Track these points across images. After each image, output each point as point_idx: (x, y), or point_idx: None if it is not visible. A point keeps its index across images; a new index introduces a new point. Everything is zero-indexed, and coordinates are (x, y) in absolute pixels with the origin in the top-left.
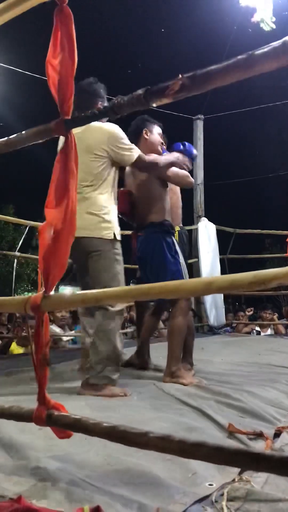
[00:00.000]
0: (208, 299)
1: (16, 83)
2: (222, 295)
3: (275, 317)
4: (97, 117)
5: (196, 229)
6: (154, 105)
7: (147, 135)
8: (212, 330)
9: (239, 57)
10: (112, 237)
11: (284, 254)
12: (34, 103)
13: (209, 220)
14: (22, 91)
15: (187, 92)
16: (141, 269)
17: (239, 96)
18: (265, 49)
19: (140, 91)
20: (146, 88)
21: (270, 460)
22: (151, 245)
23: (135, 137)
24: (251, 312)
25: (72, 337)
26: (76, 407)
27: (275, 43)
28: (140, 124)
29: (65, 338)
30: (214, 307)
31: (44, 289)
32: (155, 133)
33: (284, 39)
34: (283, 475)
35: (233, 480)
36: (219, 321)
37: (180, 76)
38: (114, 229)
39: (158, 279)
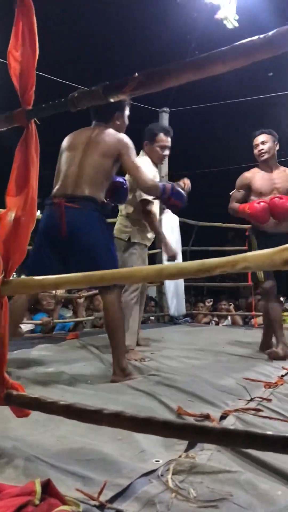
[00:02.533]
0: (170, 289)
1: None
2: (183, 285)
3: (231, 307)
4: (57, 108)
5: (160, 221)
6: (112, 100)
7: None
8: (173, 320)
9: (194, 58)
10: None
11: (243, 247)
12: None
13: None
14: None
15: (143, 89)
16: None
17: (205, 89)
18: (215, 53)
19: (99, 86)
20: (104, 83)
21: (213, 432)
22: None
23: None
24: (211, 303)
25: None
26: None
27: (225, 48)
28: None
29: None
30: (175, 297)
31: (3, 274)
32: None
33: (233, 44)
34: (225, 446)
35: (179, 457)
36: (180, 311)
37: (136, 74)
38: None
39: (92, 257)
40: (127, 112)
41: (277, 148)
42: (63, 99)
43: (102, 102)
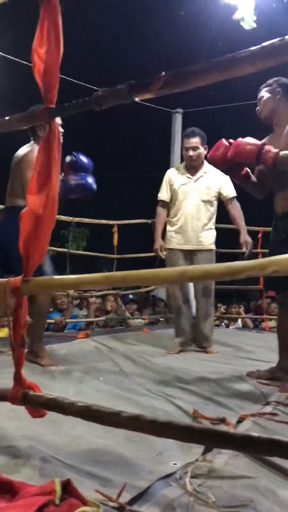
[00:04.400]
0: None
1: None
2: (192, 290)
3: (241, 310)
4: (81, 107)
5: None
6: (137, 99)
7: None
8: None
9: (219, 58)
10: None
11: (256, 250)
12: (21, 90)
13: None
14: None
15: (169, 89)
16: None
17: (219, 91)
18: (244, 53)
19: (123, 85)
20: (129, 82)
21: (234, 439)
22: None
23: None
24: (221, 308)
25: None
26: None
27: (254, 48)
28: None
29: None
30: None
31: (24, 273)
32: None
33: (261, 45)
34: (246, 453)
35: (196, 460)
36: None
37: (163, 73)
38: None
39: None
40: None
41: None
42: (87, 98)
43: (127, 101)
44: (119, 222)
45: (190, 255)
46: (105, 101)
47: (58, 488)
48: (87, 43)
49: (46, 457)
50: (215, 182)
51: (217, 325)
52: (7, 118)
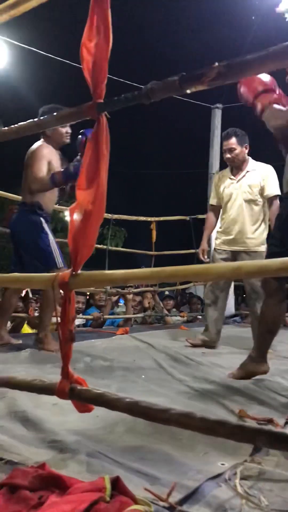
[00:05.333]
0: None
1: (44, 67)
2: (232, 285)
3: None
4: (130, 101)
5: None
6: (189, 91)
7: None
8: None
9: (274, 47)
10: None
11: None
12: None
13: None
14: (49, 76)
15: (222, 80)
16: (13, 244)
17: None
18: None
19: (175, 77)
20: (181, 74)
21: None
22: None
23: None
24: None
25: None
26: None
27: None
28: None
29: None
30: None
31: (72, 268)
32: None
33: None
34: None
35: (245, 461)
36: (228, 311)
37: (216, 64)
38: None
39: (30, 254)
40: None
41: None
42: (136, 92)
43: (178, 93)
44: (157, 218)
45: (235, 257)
46: (155, 94)
47: (108, 485)
48: (132, 40)
49: (92, 452)
50: (257, 180)
51: None
52: (55, 114)
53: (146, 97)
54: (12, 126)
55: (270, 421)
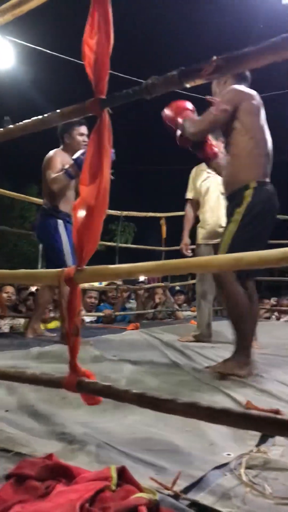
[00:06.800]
0: None
1: (49, 66)
2: None
3: None
4: (131, 96)
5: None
6: (188, 85)
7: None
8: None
9: (273, 39)
10: None
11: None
12: (65, 86)
13: None
14: (55, 74)
15: (221, 73)
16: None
17: (255, 80)
18: None
19: (174, 72)
20: (180, 68)
21: None
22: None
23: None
24: (273, 302)
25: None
26: None
27: None
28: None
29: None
30: None
31: (78, 263)
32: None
33: None
34: None
35: (251, 451)
36: None
37: (214, 57)
38: None
39: (47, 254)
40: (78, 129)
41: None
42: (137, 87)
43: (178, 87)
44: (167, 214)
45: (216, 250)
46: (156, 89)
47: (114, 475)
48: (133, 35)
49: (101, 444)
50: None
51: (267, 318)
52: (58, 111)
53: (146, 92)
54: (17, 124)
55: (276, 413)
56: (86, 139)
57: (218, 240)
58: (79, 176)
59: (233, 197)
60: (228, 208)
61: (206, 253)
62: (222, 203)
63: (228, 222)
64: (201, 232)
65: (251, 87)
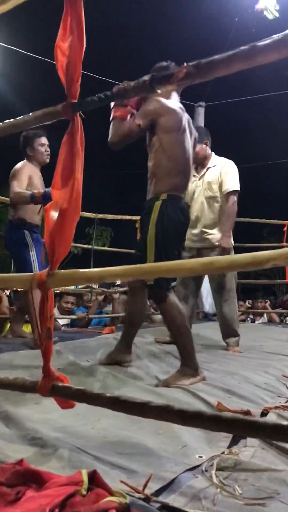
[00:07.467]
0: (205, 287)
1: (25, 66)
2: (207, 288)
3: (267, 305)
4: (104, 101)
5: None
6: (159, 91)
7: None
8: (207, 317)
9: (242, 47)
10: None
11: (281, 244)
12: (43, 88)
13: None
14: (30, 75)
15: (191, 80)
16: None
17: (241, 84)
18: (267, 41)
19: (146, 77)
20: (152, 74)
21: (265, 427)
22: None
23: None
24: (248, 304)
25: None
26: None
27: (277, 36)
28: None
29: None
30: (209, 295)
31: (49, 267)
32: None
33: (285, 32)
34: (277, 441)
35: (222, 453)
36: (214, 309)
37: (185, 64)
38: None
39: (16, 265)
40: (39, 140)
41: None
42: (109, 92)
43: (150, 93)
44: None
45: (200, 254)
46: (128, 93)
47: (85, 479)
48: (109, 37)
49: (73, 448)
50: (215, 176)
51: (243, 320)
52: (30, 114)
53: (118, 96)
54: None
55: (247, 413)
56: (48, 148)
57: (204, 244)
58: (41, 206)
59: (146, 207)
60: (143, 218)
61: (189, 257)
62: (207, 207)
63: (146, 231)
64: (187, 236)
65: (251, 87)
